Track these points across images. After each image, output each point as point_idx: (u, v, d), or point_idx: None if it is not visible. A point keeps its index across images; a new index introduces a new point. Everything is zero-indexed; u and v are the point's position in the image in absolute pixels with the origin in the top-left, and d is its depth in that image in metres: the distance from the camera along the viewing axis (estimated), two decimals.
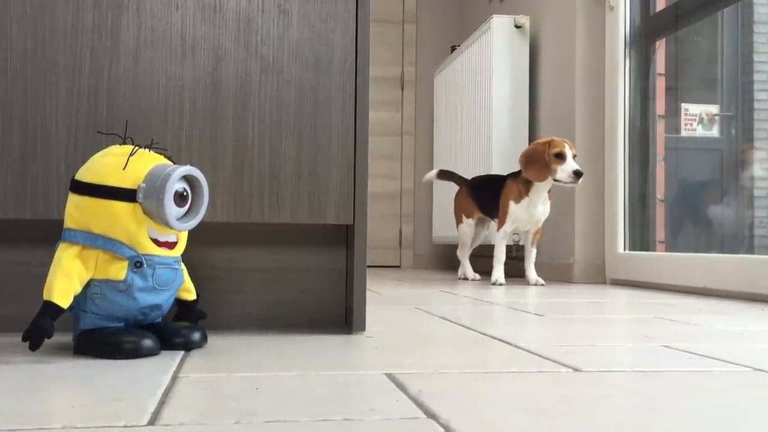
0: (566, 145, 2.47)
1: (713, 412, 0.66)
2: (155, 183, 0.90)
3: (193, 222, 0.95)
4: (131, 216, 0.91)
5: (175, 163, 0.96)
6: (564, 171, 2.45)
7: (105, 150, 0.96)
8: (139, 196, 0.91)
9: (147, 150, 0.96)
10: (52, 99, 1.08)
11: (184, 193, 0.93)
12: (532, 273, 2.62)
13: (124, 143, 0.97)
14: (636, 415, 0.65)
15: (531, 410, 0.66)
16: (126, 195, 0.91)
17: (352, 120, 1.16)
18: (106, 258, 0.91)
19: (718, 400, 0.71)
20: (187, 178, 0.94)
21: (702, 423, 0.62)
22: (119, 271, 0.91)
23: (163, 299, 0.96)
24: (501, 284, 2.56)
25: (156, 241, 0.93)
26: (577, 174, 2.44)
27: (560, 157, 2.46)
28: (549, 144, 2.48)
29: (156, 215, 0.91)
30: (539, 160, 2.48)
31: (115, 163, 0.92)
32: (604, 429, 0.60)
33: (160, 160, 0.96)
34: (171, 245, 0.96)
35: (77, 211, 0.92)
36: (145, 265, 0.92)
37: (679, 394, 0.74)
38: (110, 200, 0.91)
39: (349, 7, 1.16)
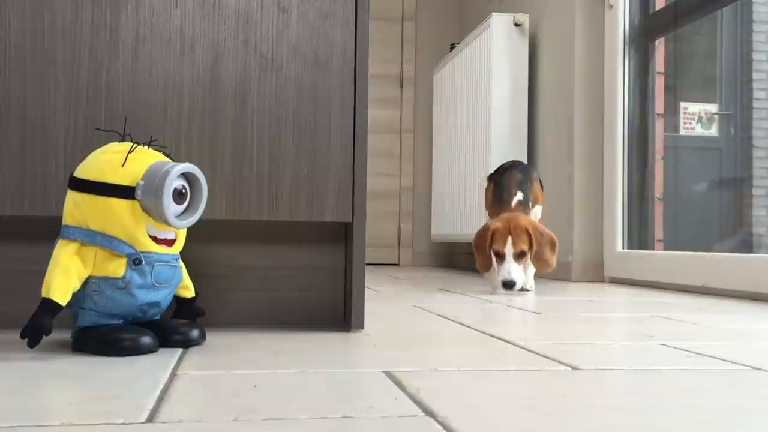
0: (509, 241, 2.00)
1: (711, 411, 0.66)
2: (154, 180, 0.90)
3: (192, 219, 0.95)
4: (130, 213, 0.91)
5: (173, 161, 0.96)
6: (497, 276, 2.02)
7: (104, 147, 0.96)
8: (138, 193, 0.90)
9: (146, 147, 0.96)
10: (51, 96, 1.08)
11: (183, 191, 0.93)
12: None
13: (123, 140, 0.97)
14: (634, 413, 0.65)
15: (529, 408, 0.66)
16: (125, 192, 0.91)
17: (351, 117, 1.16)
18: (105, 255, 0.91)
19: (716, 399, 0.71)
20: (185, 176, 0.94)
21: (700, 421, 0.62)
22: (118, 268, 0.91)
23: (162, 296, 0.96)
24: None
25: (155, 239, 0.93)
26: (505, 285, 1.98)
27: (499, 256, 2.02)
28: (492, 236, 2.02)
29: (155, 212, 0.91)
30: (483, 252, 2.05)
31: (113, 160, 0.92)
32: (602, 427, 0.60)
33: (159, 157, 0.95)
34: (170, 242, 0.96)
35: (76, 208, 0.92)
36: (143, 263, 0.92)
37: (677, 393, 0.74)
38: (109, 197, 0.90)
39: (348, 4, 1.16)
